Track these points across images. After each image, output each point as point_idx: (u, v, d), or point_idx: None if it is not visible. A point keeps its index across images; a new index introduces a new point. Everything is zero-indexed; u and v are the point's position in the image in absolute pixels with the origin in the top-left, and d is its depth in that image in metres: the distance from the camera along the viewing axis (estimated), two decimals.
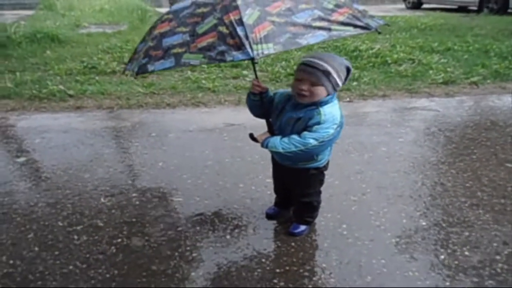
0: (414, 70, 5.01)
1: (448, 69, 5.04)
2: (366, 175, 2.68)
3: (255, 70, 1.97)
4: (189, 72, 4.89)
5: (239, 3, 1.47)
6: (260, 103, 1.90)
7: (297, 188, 2.04)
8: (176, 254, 1.98)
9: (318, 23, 1.51)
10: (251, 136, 1.84)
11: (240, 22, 1.41)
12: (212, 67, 5.06)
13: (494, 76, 4.86)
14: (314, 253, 1.96)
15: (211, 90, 4.37)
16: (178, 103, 4.02)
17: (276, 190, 2.22)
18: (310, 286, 1.79)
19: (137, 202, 2.39)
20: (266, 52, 1.37)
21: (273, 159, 2.05)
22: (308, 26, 1.49)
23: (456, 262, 1.92)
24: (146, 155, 2.97)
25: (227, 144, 3.07)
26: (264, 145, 1.81)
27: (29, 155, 2.99)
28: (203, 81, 4.58)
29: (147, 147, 3.08)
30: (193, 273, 1.86)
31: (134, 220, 2.23)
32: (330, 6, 1.61)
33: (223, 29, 1.45)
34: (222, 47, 1.42)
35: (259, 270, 1.88)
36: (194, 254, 1.97)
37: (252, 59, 1.39)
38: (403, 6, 12.36)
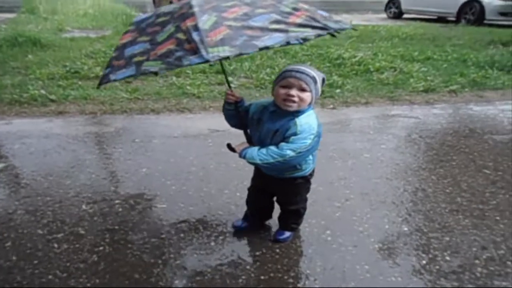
0: (395, 78, 5.12)
1: (428, 78, 5.16)
2: (350, 181, 2.71)
3: (227, 80, 2.02)
4: (174, 78, 4.87)
5: (196, 10, 1.52)
6: (235, 112, 1.90)
7: (284, 197, 2.05)
8: (160, 261, 1.95)
9: (275, 26, 1.54)
10: (229, 146, 1.83)
11: (196, 28, 1.45)
12: (197, 73, 5.06)
13: (471, 85, 5.01)
14: (299, 260, 1.97)
15: (196, 96, 4.35)
16: (162, 109, 3.99)
17: (251, 201, 2.18)
18: None
19: (120, 209, 2.36)
20: (221, 54, 1.39)
21: (256, 169, 2.04)
22: (265, 29, 1.52)
23: (437, 267, 1.95)
24: (130, 161, 2.93)
25: (212, 150, 3.06)
26: (242, 155, 1.79)
27: (8, 161, 2.91)
28: (188, 87, 4.57)
29: (130, 153, 3.04)
30: (176, 281, 1.84)
31: (116, 227, 2.20)
32: (287, 10, 1.65)
33: (180, 35, 1.49)
34: (180, 53, 1.44)
35: (243, 277, 1.88)
36: (177, 262, 1.95)
37: (207, 62, 1.40)
38: (385, 16, 12.62)
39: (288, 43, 1.60)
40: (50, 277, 1.85)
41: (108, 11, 9.52)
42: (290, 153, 1.71)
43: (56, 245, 2.05)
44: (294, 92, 1.71)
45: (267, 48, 1.57)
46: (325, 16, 1.76)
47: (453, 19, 10.53)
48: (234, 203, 2.41)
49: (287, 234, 2.11)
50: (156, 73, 1.52)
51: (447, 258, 2.02)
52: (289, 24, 1.57)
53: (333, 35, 1.67)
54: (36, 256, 1.98)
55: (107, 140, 3.27)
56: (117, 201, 2.43)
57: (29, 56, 5.43)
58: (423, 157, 3.13)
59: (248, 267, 1.93)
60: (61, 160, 2.91)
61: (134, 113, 3.88)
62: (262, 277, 1.87)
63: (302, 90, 1.71)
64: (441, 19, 11.27)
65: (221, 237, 2.13)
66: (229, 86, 1.95)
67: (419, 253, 2.05)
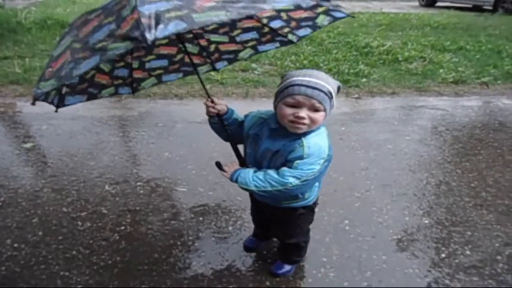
0: (424, 69, 4.96)
1: (459, 69, 4.98)
2: (371, 172, 2.67)
3: (204, 87, 1.69)
4: None
5: (64, 32, 1.41)
6: (221, 126, 1.60)
7: (280, 230, 1.73)
8: (178, 243, 2.00)
9: (174, 13, 1.16)
10: (218, 165, 1.56)
11: (50, 55, 1.37)
12: None
13: (505, 77, 4.79)
14: (315, 247, 1.96)
15: (219, 82, 4.37)
16: (185, 94, 4.02)
17: (255, 223, 1.96)
18: (310, 279, 1.80)
19: (142, 191, 2.41)
20: (47, 88, 1.26)
21: (251, 195, 1.74)
22: (92, 49, 1.21)
23: (457, 261, 1.91)
24: (152, 144, 2.99)
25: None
26: (234, 179, 1.47)
27: (36, 141, 3.03)
28: (212, 73, 4.58)
29: (153, 137, 3.10)
30: (194, 262, 1.88)
31: (137, 208, 2.25)
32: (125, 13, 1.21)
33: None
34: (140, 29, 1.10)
35: (260, 261, 1.89)
36: (196, 244, 1.99)
37: (35, 98, 1.29)
38: (416, 3, 12.19)
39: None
40: (74, 252, 1.92)
41: None
42: (293, 181, 1.39)
43: (80, 223, 2.13)
44: (304, 113, 1.37)
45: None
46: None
47: (490, 8, 10.06)
48: None
49: (287, 268, 1.81)
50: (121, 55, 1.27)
51: (468, 252, 1.97)
52: (196, 10, 1.17)
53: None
54: (61, 232, 2.06)
55: (130, 124, 3.33)
56: (138, 183, 2.49)
57: (57, 39, 5.56)
58: (449, 150, 3.03)
59: (264, 252, 1.95)
60: (86, 142, 3.00)
61: (157, 97, 3.93)
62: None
63: (315, 110, 1.37)
64: (476, 8, 10.79)
65: (239, 222, 2.15)
66: (208, 95, 1.63)
67: (439, 246, 2.00)
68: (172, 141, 3.05)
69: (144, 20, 1.11)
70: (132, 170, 2.64)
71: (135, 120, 3.40)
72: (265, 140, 1.48)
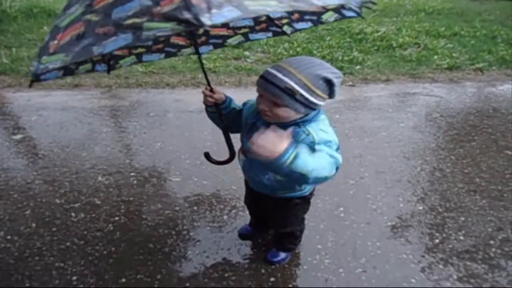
0: (419, 55, 4.94)
1: (454, 55, 4.96)
2: (365, 159, 2.66)
3: (205, 73, 1.59)
4: None
5: None
6: (218, 115, 1.54)
7: (276, 219, 1.73)
8: (173, 233, 1.99)
9: (132, 20, 1.05)
10: (207, 156, 1.54)
11: (53, 25, 1.20)
12: None
13: (500, 63, 4.79)
14: (310, 235, 1.97)
15: (212, 70, 4.31)
16: (177, 83, 3.97)
17: (251, 213, 1.95)
18: (306, 266, 1.81)
19: (135, 182, 2.39)
20: (51, 66, 1.10)
21: (246, 183, 1.73)
22: (117, 26, 1.06)
23: (450, 246, 1.93)
24: (144, 134, 2.96)
25: None
26: (286, 157, 1.16)
27: (25, 132, 2.98)
28: (204, 61, 4.52)
29: (145, 127, 3.06)
30: (189, 252, 1.87)
31: (131, 199, 2.24)
32: None
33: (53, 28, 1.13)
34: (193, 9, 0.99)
35: (255, 249, 1.90)
36: (191, 233, 1.98)
37: (36, 78, 1.17)
38: None
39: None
40: (68, 244, 1.91)
41: None
42: (336, 160, 1.28)
43: (73, 214, 2.11)
44: (264, 106, 1.31)
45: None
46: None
47: None
48: None
49: (283, 255, 1.82)
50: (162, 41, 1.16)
51: (461, 237, 1.99)
52: (153, 15, 1.04)
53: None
54: (54, 224, 2.04)
55: (122, 114, 3.29)
56: (132, 174, 2.47)
57: (44, 28, 5.43)
58: (443, 136, 3.04)
59: (260, 240, 1.95)
60: (77, 133, 2.95)
61: (149, 87, 3.88)
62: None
63: (275, 104, 1.28)
64: None
65: (233, 211, 2.14)
66: (208, 83, 1.55)
67: (433, 232, 2.02)
68: (165, 130, 3.02)
69: (194, 1, 1.00)
70: (125, 161, 2.62)
71: (126, 110, 3.36)
72: (261, 129, 1.33)
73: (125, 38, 1.03)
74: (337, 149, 1.35)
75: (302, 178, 1.21)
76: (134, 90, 3.80)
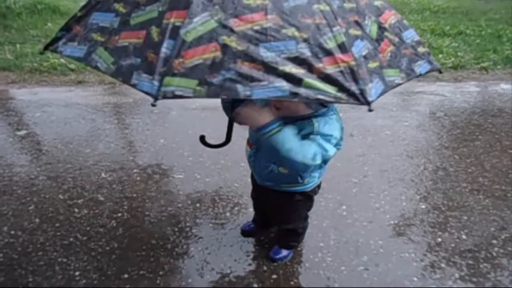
0: None
1: (459, 54, 4.93)
2: (369, 158, 2.66)
3: None
4: None
5: (195, 0, 0.96)
6: (232, 106, 1.47)
7: (278, 214, 1.73)
8: (176, 229, 1.99)
9: (289, 67, 0.95)
10: (202, 139, 1.54)
11: (175, 32, 0.93)
12: None
13: (505, 62, 4.76)
14: (313, 233, 1.96)
15: None
16: None
17: (255, 207, 1.95)
18: (308, 264, 1.81)
19: (138, 178, 2.40)
20: (178, 93, 0.90)
21: (252, 177, 1.74)
22: (270, 69, 0.94)
23: (453, 245, 1.92)
24: (148, 131, 2.96)
25: None
26: (270, 128, 1.27)
27: (29, 129, 2.99)
28: None
29: (148, 124, 3.07)
30: (192, 248, 1.88)
31: (134, 195, 2.24)
32: (330, 45, 1.00)
33: (155, 31, 0.97)
34: (138, 60, 0.95)
35: (257, 247, 1.90)
36: (193, 230, 1.99)
37: (154, 97, 0.91)
38: None
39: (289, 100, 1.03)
40: (71, 239, 1.92)
41: None
42: (317, 156, 1.29)
43: (76, 210, 2.12)
44: None
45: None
46: (411, 52, 1.23)
47: None
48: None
49: (285, 253, 1.82)
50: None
51: (464, 237, 1.98)
52: (312, 71, 0.97)
53: (369, 110, 1.05)
54: (57, 219, 2.05)
55: (125, 111, 3.30)
56: (135, 170, 2.47)
57: (48, 24, 5.45)
58: (447, 135, 3.03)
59: (262, 237, 1.95)
60: (81, 129, 2.96)
61: None
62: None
63: None
64: None
65: (236, 208, 2.15)
66: None
67: (435, 231, 2.02)
68: (168, 127, 3.02)
69: (361, 72, 0.96)
70: (128, 157, 2.62)
71: (130, 107, 3.37)
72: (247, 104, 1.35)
73: (280, 89, 0.93)
74: (336, 145, 1.37)
75: (290, 163, 1.29)
76: None
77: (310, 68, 0.97)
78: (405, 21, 1.30)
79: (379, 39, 1.14)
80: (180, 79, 0.90)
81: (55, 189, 2.28)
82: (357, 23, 1.10)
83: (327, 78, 0.97)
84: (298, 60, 0.96)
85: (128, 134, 2.94)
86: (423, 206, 2.20)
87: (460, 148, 2.83)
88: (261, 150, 1.51)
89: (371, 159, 2.65)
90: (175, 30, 0.93)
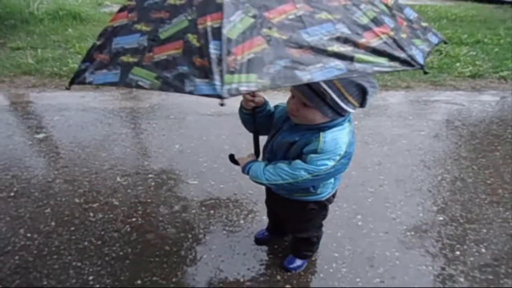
0: (440, 62, 4.84)
1: (477, 62, 4.85)
2: (385, 167, 2.62)
3: None
4: None
5: (225, 1, 0.96)
6: (251, 118, 1.53)
7: (292, 223, 1.72)
8: (189, 236, 1.99)
9: (336, 47, 0.97)
10: (231, 158, 1.56)
11: (218, 33, 0.91)
12: None
13: None
14: (327, 242, 1.94)
15: None
16: None
17: (269, 214, 1.95)
18: (322, 275, 1.78)
19: (153, 183, 2.41)
20: (243, 88, 0.87)
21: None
22: (319, 51, 0.95)
23: (472, 259, 1.87)
24: (163, 137, 2.98)
25: (245, 130, 3.00)
26: (245, 171, 1.47)
27: (48, 132, 3.05)
28: None
29: (164, 129, 3.09)
30: (205, 255, 1.87)
31: (149, 200, 2.25)
32: (364, 21, 1.05)
33: (192, 38, 0.95)
34: (184, 68, 0.92)
35: (271, 255, 1.88)
36: (207, 237, 1.98)
37: (219, 97, 0.86)
38: None
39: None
40: (86, 243, 1.94)
41: None
42: (304, 174, 1.34)
43: (91, 214, 2.14)
44: (293, 105, 1.34)
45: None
46: (417, 26, 1.27)
47: (509, 0, 9.76)
48: None
49: (299, 262, 1.81)
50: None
51: (483, 250, 1.93)
52: (359, 47, 0.99)
53: (425, 72, 1.05)
54: (73, 223, 2.07)
55: (141, 116, 3.33)
56: (150, 175, 2.49)
57: (69, 30, 5.58)
58: (465, 145, 2.96)
59: (276, 246, 1.93)
60: (98, 133, 3.00)
61: None
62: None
63: (304, 105, 1.31)
64: (496, 0, 10.50)
65: (250, 216, 2.13)
66: None
67: (453, 244, 1.96)
68: (183, 133, 3.04)
69: (402, 41, 1.04)
70: (143, 162, 2.64)
71: (146, 112, 3.40)
72: (285, 131, 1.44)
73: (337, 68, 0.93)
74: (342, 158, 1.35)
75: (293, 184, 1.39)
76: (154, 92, 3.84)
77: (356, 45, 0.99)
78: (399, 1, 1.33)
79: (393, 16, 1.17)
80: (240, 76, 0.88)
81: (71, 193, 2.31)
82: (371, 3, 1.14)
83: (375, 51, 0.99)
84: (342, 39, 0.99)
85: (143, 139, 2.96)
86: (441, 218, 2.15)
87: (479, 158, 2.77)
88: (275, 160, 1.49)
89: (387, 168, 2.61)
90: (217, 31, 0.92)
